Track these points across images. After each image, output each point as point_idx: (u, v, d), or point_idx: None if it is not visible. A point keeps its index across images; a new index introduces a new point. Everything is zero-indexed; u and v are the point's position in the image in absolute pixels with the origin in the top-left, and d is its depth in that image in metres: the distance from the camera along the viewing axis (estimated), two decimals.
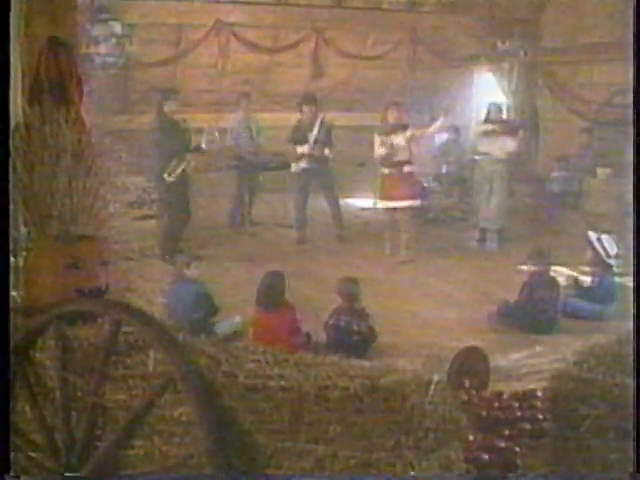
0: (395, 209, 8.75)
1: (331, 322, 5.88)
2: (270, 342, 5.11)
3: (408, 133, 8.63)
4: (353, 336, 5.80)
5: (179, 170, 8.41)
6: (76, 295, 3.43)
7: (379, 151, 8.72)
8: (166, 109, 8.52)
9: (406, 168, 8.72)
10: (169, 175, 8.36)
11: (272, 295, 5.82)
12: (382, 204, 8.93)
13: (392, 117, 8.75)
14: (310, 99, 9.68)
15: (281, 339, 5.34)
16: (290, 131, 9.68)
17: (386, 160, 8.67)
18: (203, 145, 8.88)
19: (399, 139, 8.62)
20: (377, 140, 8.76)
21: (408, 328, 6.47)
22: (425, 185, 10.70)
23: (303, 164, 9.50)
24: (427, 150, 10.94)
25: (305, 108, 9.54)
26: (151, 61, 10.65)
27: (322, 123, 9.52)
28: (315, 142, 9.43)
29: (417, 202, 8.93)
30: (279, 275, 5.95)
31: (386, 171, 8.74)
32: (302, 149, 9.48)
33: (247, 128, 10.14)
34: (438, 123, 8.93)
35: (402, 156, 8.67)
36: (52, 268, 3.48)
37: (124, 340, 3.14)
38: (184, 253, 7.00)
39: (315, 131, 9.45)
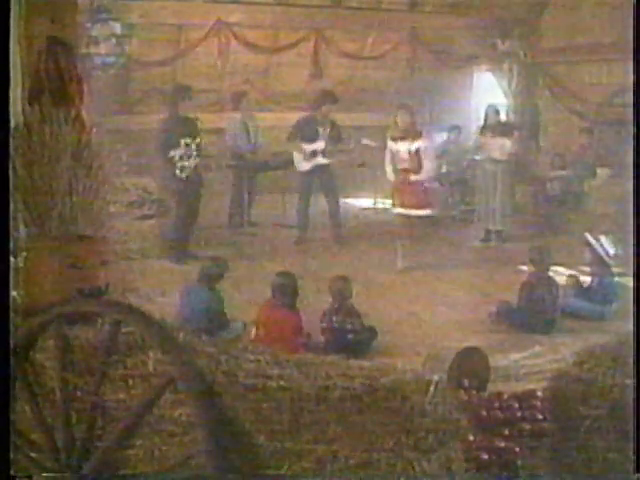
0: (405, 216, 8.32)
1: (324, 325, 5.90)
2: (273, 340, 5.14)
3: (414, 146, 8.16)
4: (348, 335, 5.81)
5: (192, 167, 8.34)
6: (76, 295, 3.43)
7: (387, 157, 8.41)
8: (181, 109, 8.40)
9: (412, 177, 8.24)
10: (181, 171, 8.30)
11: (287, 296, 5.82)
12: (396, 210, 8.49)
13: (402, 121, 8.22)
14: (332, 98, 9.51)
15: (284, 338, 5.36)
16: (291, 129, 9.59)
17: (392, 167, 8.34)
18: (178, 165, 8.33)
19: (406, 147, 8.19)
20: (388, 145, 8.42)
21: (408, 328, 6.47)
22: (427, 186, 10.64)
23: (315, 161, 9.37)
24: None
25: (324, 108, 9.33)
26: (151, 61, 10.65)
27: (333, 120, 9.48)
28: (329, 138, 9.33)
29: (427, 211, 8.46)
30: (292, 277, 5.96)
31: (393, 178, 8.41)
32: (314, 146, 9.38)
33: (244, 127, 10.10)
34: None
35: (408, 165, 8.22)
36: (52, 268, 3.48)
37: (124, 340, 3.14)
38: (215, 259, 6.57)
39: (328, 128, 9.39)
